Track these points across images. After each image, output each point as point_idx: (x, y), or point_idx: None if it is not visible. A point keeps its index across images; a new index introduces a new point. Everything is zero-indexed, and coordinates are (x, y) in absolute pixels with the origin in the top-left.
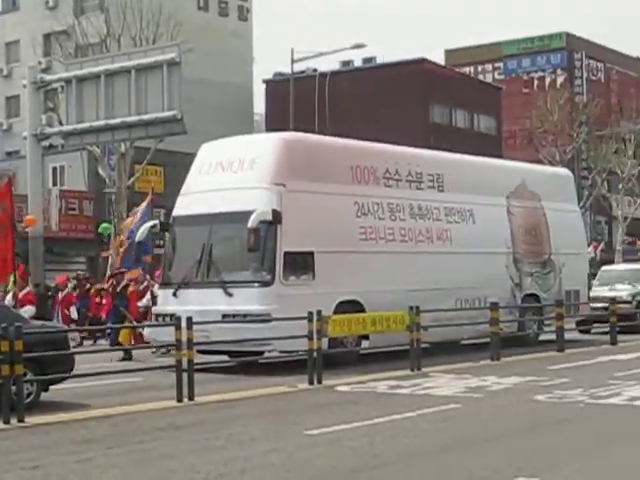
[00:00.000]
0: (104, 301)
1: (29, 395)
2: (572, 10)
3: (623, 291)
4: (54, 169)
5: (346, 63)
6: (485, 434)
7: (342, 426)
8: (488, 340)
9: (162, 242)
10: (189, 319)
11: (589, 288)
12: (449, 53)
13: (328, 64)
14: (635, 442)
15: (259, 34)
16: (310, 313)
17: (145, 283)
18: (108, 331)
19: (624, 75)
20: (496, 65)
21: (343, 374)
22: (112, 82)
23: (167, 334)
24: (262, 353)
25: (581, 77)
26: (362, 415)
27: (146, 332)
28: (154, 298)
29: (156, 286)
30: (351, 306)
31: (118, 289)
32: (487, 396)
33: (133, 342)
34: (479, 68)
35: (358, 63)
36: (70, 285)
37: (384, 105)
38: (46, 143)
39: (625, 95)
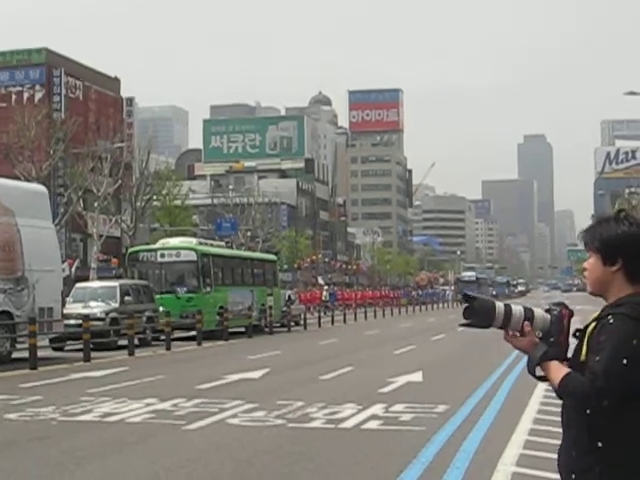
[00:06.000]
0: None
1: None
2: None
3: (97, 308)
4: None
5: None
6: None
7: None
8: None
9: None
10: None
11: (63, 305)
12: None
13: None
14: (105, 456)
15: None
16: None
17: None
18: None
19: (103, 94)
20: None
21: None
22: None
23: None
24: None
25: (60, 94)
26: None
27: None
28: None
29: None
30: None
31: None
32: None
33: None
34: None
35: None
36: None
37: None
38: None
39: (103, 114)
